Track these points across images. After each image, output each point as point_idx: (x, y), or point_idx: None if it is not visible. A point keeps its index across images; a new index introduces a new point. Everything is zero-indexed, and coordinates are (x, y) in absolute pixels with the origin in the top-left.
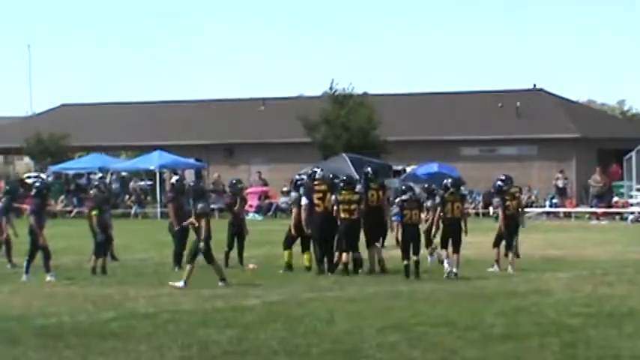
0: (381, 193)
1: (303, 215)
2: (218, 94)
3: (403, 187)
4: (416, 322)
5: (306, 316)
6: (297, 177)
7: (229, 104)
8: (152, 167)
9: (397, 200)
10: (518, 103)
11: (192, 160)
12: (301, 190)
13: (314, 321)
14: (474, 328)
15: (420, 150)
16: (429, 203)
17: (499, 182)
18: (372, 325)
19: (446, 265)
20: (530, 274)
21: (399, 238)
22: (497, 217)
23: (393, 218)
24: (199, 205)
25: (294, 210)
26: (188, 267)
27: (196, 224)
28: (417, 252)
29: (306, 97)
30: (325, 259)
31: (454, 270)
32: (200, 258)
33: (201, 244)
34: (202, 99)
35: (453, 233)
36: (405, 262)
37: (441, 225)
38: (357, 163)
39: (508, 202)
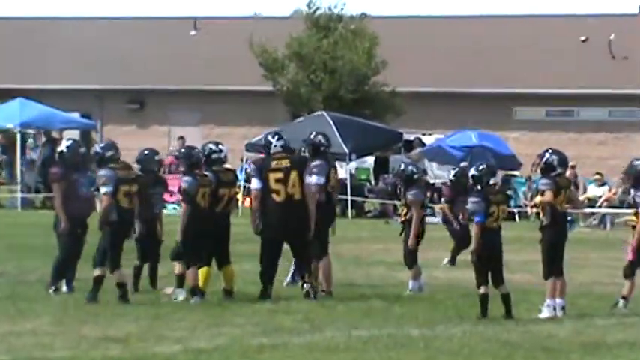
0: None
1: (253, 205)
2: (122, 9)
3: (482, 167)
4: None
5: None
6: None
7: (140, 26)
8: (10, 126)
9: (476, 188)
10: (612, 37)
11: (75, 116)
12: (250, 168)
13: None
14: None
15: (450, 109)
16: (409, 196)
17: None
18: None
19: (547, 313)
20: (624, 316)
21: (474, 250)
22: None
23: (475, 219)
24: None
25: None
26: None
27: None
28: (500, 273)
29: (264, 18)
30: (291, 276)
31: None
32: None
33: None
34: (95, 16)
35: (562, 240)
36: (483, 289)
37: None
38: (345, 127)
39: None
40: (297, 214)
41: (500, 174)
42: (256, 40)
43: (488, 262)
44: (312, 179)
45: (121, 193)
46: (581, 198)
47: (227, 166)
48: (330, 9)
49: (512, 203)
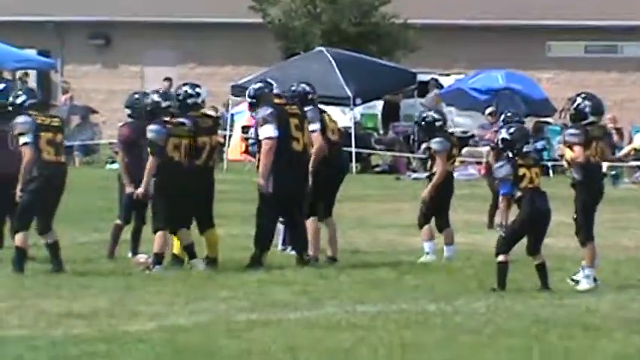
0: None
1: (265, 158)
2: None
3: (513, 130)
4: None
5: (243, 356)
6: (154, 98)
7: None
8: None
9: (505, 154)
10: None
11: (32, 54)
12: (263, 112)
13: None
14: None
15: (472, 45)
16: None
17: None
18: None
19: (587, 284)
20: None
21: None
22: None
23: (501, 190)
24: None
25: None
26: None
27: None
28: (540, 242)
29: None
30: (284, 239)
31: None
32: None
33: None
34: None
35: (597, 197)
36: (502, 257)
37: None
38: (348, 66)
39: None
40: (305, 170)
41: (532, 121)
42: None
43: (531, 229)
44: (311, 126)
45: (42, 140)
46: (626, 149)
47: (210, 112)
48: None
49: (545, 155)
